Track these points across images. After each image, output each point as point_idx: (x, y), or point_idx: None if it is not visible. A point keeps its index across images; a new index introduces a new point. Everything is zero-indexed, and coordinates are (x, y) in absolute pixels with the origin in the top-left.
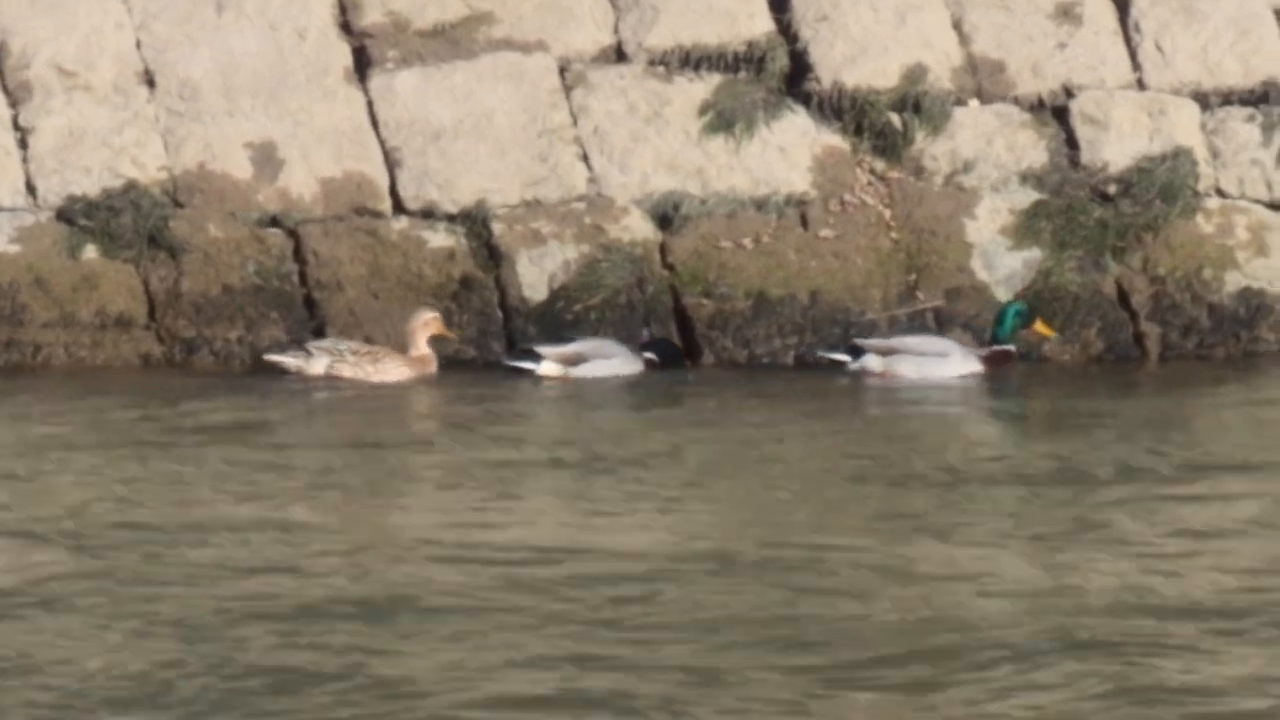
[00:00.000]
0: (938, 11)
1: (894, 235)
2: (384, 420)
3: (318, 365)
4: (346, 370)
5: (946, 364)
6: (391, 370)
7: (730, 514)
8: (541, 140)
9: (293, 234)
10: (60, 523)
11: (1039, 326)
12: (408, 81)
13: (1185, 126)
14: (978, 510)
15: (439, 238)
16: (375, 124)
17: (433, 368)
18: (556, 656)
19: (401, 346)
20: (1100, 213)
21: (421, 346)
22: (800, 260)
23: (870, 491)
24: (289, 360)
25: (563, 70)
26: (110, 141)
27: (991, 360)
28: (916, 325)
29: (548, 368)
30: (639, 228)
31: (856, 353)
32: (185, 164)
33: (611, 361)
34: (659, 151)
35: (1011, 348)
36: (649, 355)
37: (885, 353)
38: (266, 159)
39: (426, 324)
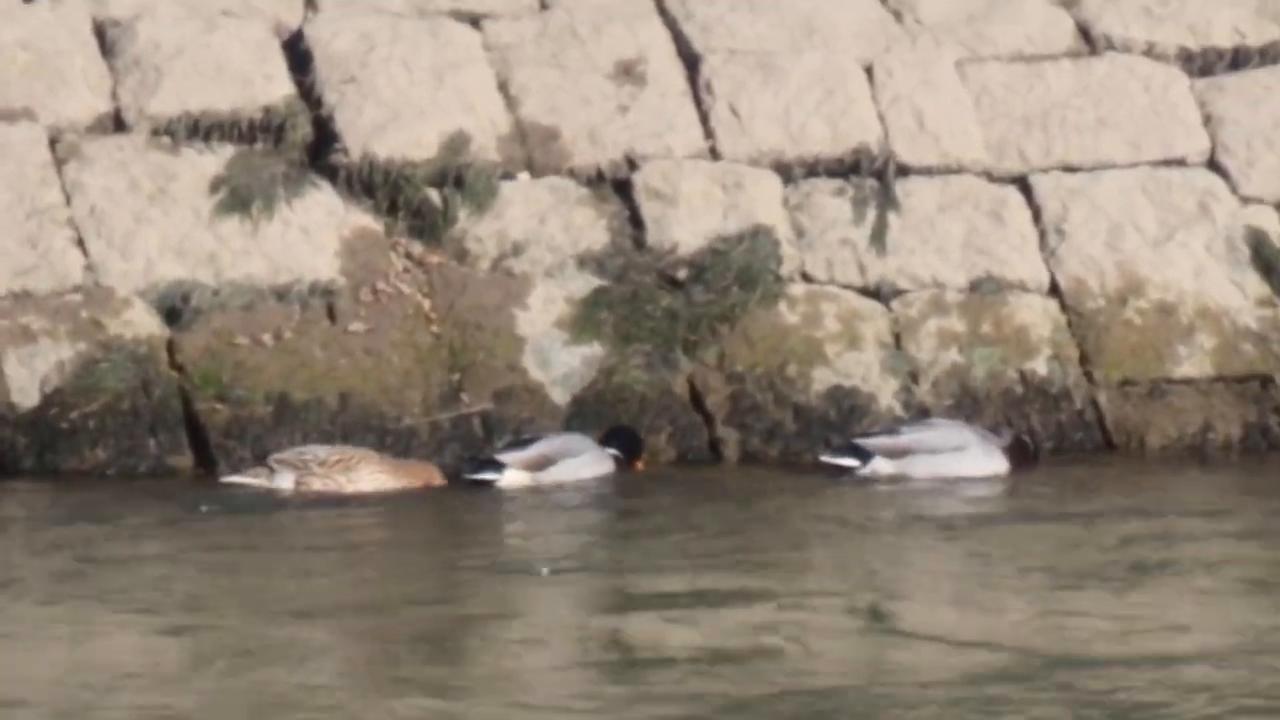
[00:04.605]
0: (481, 70)
1: (435, 329)
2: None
3: (283, 480)
4: (316, 484)
5: (963, 460)
6: (367, 479)
7: None
8: (30, 223)
9: None
10: None
11: None
12: None
13: (765, 201)
14: None
15: None
16: None
17: (429, 479)
18: None
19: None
20: (669, 301)
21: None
22: (328, 358)
23: None
24: (251, 480)
25: (54, 142)
26: None
27: (1014, 451)
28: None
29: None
30: (143, 322)
31: (863, 455)
32: None
33: (579, 460)
34: (165, 234)
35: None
36: (613, 451)
37: (895, 454)
38: None
39: None
